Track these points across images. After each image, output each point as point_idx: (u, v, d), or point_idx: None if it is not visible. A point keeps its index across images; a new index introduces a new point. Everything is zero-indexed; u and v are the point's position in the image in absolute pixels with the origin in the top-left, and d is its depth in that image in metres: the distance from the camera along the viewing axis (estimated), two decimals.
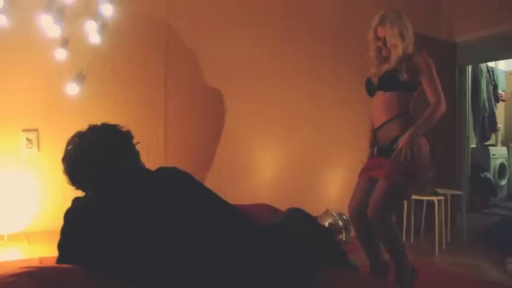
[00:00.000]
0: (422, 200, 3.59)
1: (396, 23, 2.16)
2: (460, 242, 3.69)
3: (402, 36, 2.14)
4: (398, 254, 2.20)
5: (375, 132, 2.33)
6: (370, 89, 2.33)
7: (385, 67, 2.21)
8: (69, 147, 1.27)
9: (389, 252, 2.22)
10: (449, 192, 3.68)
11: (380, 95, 2.23)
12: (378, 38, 2.23)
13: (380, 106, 2.23)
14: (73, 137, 1.28)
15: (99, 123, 1.30)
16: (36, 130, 2.52)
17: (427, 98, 2.18)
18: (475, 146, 5.96)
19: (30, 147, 2.50)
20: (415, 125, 2.11)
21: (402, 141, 2.08)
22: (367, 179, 2.29)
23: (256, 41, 3.34)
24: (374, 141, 2.40)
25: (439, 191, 3.57)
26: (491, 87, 6.05)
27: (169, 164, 1.26)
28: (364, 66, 2.43)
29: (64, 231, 1.16)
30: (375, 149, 2.41)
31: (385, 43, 2.20)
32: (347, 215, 3.34)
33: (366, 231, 2.27)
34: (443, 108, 2.15)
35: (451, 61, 4.38)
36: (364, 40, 2.39)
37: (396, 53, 2.15)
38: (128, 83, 2.82)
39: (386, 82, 2.19)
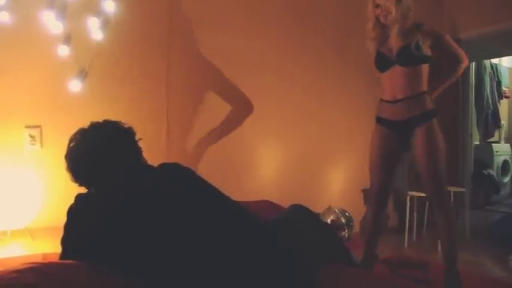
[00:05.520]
0: (425, 197, 3.58)
1: None
2: (463, 239, 3.68)
3: (398, 1, 2.14)
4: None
5: (385, 103, 2.28)
6: (383, 64, 2.25)
7: (399, 41, 2.17)
8: (71, 144, 1.27)
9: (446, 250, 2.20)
10: (452, 189, 3.67)
11: (398, 69, 2.19)
12: (375, 6, 2.22)
13: (400, 81, 2.19)
14: (75, 134, 1.28)
15: (101, 120, 1.30)
16: (39, 127, 2.53)
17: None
18: (478, 142, 5.93)
19: (34, 144, 2.50)
20: (441, 85, 2.30)
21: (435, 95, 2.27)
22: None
23: (258, 36, 3.33)
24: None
25: None
26: (494, 84, 6.01)
27: (171, 160, 1.26)
28: (367, 63, 2.41)
29: (67, 227, 1.16)
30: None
31: (382, 9, 2.20)
32: (349, 211, 3.38)
33: None
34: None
35: None
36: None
37: (392, 19, 2.16)
38: (130, 79, 2.82)
39: (407, 56, 2.16)
